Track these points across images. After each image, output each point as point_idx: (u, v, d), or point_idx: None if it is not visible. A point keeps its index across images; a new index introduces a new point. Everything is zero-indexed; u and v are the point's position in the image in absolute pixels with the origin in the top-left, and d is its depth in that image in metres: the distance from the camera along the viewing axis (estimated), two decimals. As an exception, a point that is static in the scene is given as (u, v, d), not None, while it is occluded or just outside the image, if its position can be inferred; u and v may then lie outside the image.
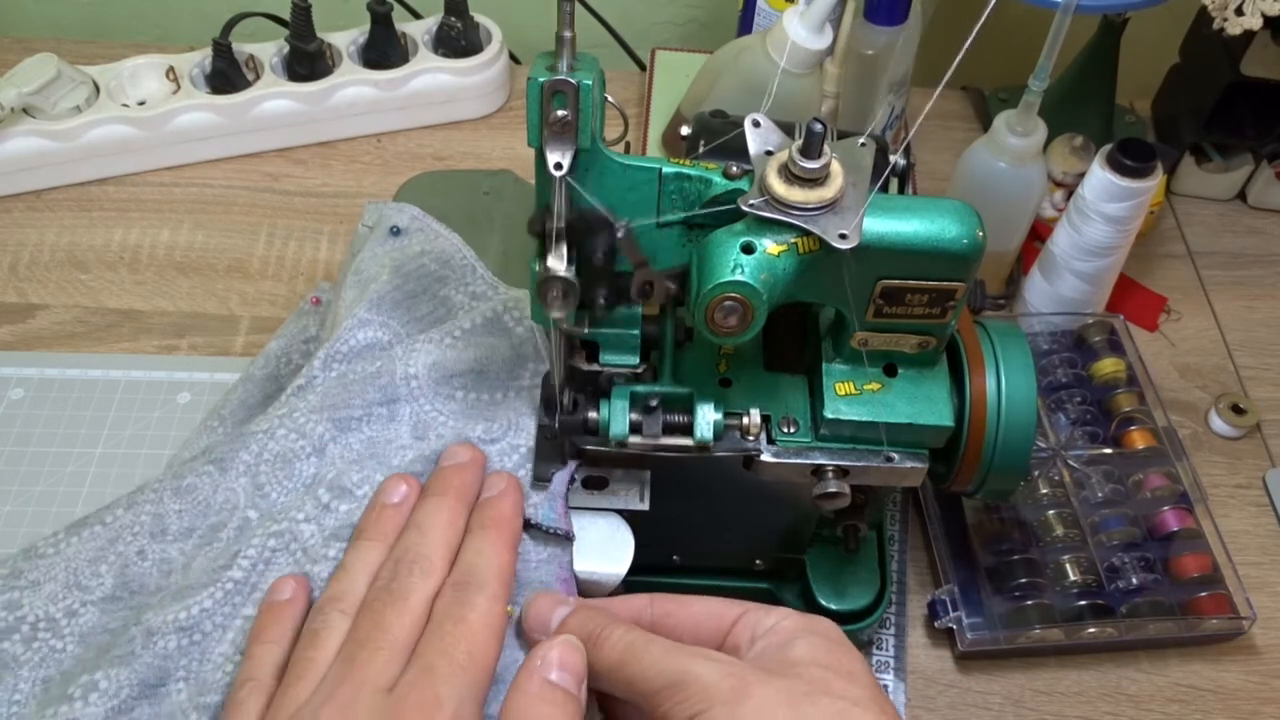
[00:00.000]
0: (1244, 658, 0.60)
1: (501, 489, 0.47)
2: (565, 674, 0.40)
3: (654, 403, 0.46)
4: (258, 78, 0.83)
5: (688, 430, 0.46)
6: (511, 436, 0.50)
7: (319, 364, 0.53)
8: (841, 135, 0.45)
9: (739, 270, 0.40)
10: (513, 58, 0.90)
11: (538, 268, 0.42)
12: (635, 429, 0.46)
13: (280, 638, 0.43)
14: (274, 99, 0.81)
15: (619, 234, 0.42)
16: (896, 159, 0.45)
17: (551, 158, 0.40)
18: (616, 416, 0.46)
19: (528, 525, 0.48)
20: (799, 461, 0.47)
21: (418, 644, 0.41)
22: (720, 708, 0.38)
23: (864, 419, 0.46)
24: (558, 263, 0.41)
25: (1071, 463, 0.64)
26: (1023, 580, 0.59)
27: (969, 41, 0.42)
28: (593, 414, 0.46)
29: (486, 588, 0.43)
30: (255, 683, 0.42)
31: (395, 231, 0.59)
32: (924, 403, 0.46)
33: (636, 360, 0.48)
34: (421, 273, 0.56)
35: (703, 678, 0.39)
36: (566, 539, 0.48)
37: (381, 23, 0.83)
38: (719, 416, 0.46)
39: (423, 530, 0.45)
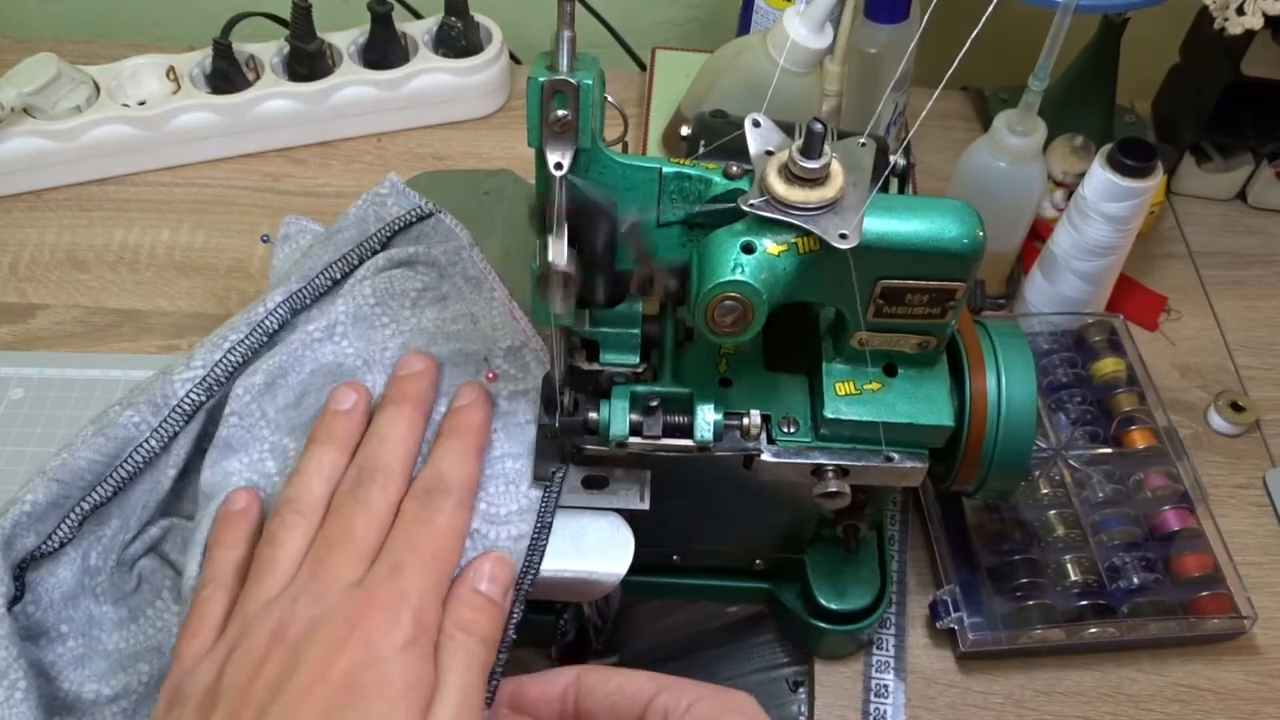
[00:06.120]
0: (1244, 658, 0.60)
1: (471, 399, 0.48)
2: (493, 584, 0.44)
3: (654, 403, 0.46)
4: (258, 78, 0.83)
5: (688, 431, 0.46)
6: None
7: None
8: (842, 135, 0.45)
9: (739, 270, 0.40)
10: (513, 58, 0.90)
11: (537, 262, 0.42)
12: (635, 430, 0.46)
13: (239, 542, 0.46)
14: (274, 99, 0.81)
15: (625, 228, 0.42)
16: (896, 159, 0.45)
17: (551, 158, 0.40)
18: (617, 417, 0.46)
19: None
20: (799, 461, 0.47)
21: (385, 543, 0.43)
22: None
23: (864, 419, 0.46)
24: (558, 255, 0.41)
25: (1072, 463, 0.64)
26: (1024, 580, 0.59)
27: (969, 42, 0.42)
28: (593, 414, 0.46)
29: (453, 494, 0.45)
30: (218, 582, 0.44)
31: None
32: (924, 403, 0.46)
33: (637, 360, 0.48)
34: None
35: None
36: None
37: (382, 23, 0.83)
38: (719, 417, 0.46)
39: (383, 440, 0.46)
